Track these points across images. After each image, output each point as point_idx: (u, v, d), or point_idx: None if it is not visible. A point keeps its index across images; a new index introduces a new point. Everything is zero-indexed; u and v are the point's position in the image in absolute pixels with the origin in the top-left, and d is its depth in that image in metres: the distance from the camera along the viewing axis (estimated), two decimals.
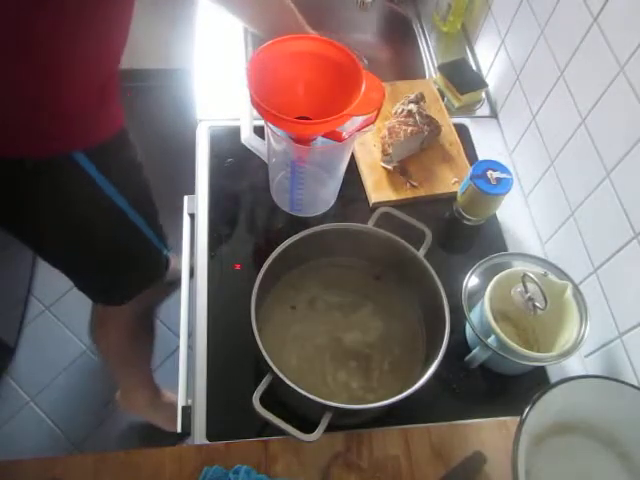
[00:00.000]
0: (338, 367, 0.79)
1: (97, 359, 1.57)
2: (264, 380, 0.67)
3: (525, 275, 0.77)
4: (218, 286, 0.88)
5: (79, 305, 1.30)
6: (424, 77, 1.20)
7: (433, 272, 0.76)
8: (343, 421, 0.73)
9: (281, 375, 0.65)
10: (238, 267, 0.90)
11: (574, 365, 0.85)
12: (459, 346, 0.84)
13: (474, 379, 0.83)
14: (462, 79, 1.12)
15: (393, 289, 0.84)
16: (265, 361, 0.66)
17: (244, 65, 1.14)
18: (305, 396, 0.65)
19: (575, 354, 0.75)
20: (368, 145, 1.03)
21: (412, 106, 1.02)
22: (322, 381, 0.78)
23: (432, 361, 0.69)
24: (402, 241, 0.79)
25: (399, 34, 1.33)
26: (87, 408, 1.53)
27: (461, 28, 1.26)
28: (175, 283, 1.20)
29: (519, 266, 0.84)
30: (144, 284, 1.14)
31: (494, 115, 1.14)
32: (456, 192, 0.97)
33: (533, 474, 0.69)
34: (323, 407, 0.65)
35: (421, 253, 0.78)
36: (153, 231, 1.06)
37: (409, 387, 0.67)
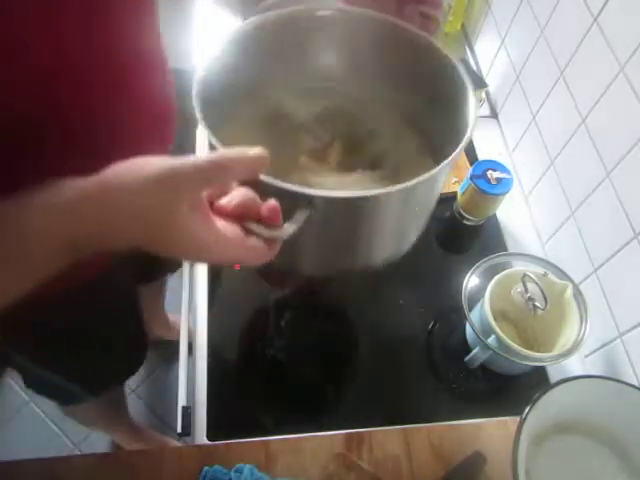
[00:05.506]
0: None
1: None
2: None
3: (525, 275, 0.77)
4: (218, 286, 0.88)
5: None
6: None
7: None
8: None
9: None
10: (238, 267, 0.90)
11: (574, 365, 0.85)
12: (459, 346, 0.84)
13: (474, 379, 0.83)
14: None
15: None
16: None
17: None
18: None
19: (575, 354, 0.75)
20: None
21: None
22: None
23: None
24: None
25: None
26: None
27: (461, 28, 1.26)
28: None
29: (519, 266, 0.84)
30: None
31: (494, 115, 1.14)
32: (456, 192, 0.97)
33: (533, 474, 0.69)
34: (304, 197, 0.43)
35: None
36: None
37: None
